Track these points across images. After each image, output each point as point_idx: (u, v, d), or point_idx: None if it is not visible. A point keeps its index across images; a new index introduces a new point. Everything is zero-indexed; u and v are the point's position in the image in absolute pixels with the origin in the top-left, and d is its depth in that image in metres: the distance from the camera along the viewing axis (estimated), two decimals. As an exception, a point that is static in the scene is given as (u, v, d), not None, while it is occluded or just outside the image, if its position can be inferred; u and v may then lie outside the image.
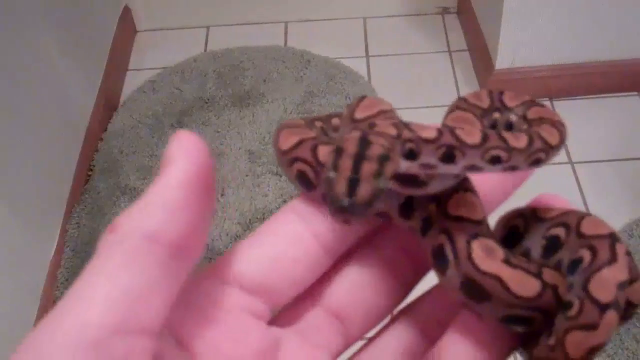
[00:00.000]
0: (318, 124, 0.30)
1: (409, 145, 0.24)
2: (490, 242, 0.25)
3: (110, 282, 0.20)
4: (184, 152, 0.22)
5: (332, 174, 0.23)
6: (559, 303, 0.24)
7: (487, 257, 0.25)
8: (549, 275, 0.25)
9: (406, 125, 0.25)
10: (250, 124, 1.92)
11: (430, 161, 0.25)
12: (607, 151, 1.81)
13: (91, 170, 1.85)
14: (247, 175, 1.75)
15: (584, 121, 1.88)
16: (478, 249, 0.25)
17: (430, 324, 0.28)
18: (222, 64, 2.11)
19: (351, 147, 0.23)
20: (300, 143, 0.27)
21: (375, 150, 0.23)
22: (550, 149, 0.27)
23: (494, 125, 0.31)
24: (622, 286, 0.23)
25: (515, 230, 0.29)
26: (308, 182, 0.27)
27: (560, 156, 1.78)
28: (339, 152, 0.23)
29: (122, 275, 0.20)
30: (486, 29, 1.98)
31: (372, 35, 2.22)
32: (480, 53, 2.01)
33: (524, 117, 0.30)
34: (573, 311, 0.23)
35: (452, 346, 0.25)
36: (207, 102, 2.00)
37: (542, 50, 1.87)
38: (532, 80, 1.91)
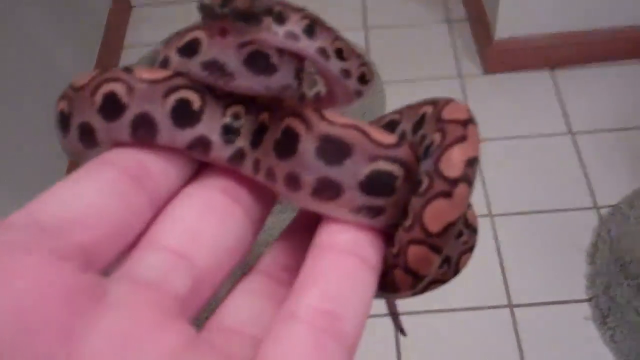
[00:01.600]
0: None
1: (277, 8, 0.23)
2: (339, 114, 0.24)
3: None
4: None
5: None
6: (418, 161, 0.24)
7: (342, 116, 0.23)
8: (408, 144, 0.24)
9: None
10: (247, 100, 1.90)
11: (295, 30, 0.24)
12: (609, 120, 1.78)
13: (88, 149, 1.84)
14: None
15: (586, 90, 1.85)
16: (331, 112, 0.24)
17: (283, 272, 0.25)
18: (218, 39, 2.09)
19: None
20: (107, 70, 0.25)
21: None
22: (368, 79, 0.27)
23: None
24: (471, 162, 0.22)
25: (393, 122, 0.27)
26: (116, 105, 0.24)
27: (560, 126, 1.76)
28: None
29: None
30: (485, -2, 1.95)
31: (371, 7, 2.19)
32: (479, 23, 1.98)
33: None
34: (423, 187, 0.22)
35: (314, 265, 0.22)
36: (203, 78, 1.98)
37: (542, 19, 1.84)
38: (533, 50, 1.88)
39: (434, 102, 0.25)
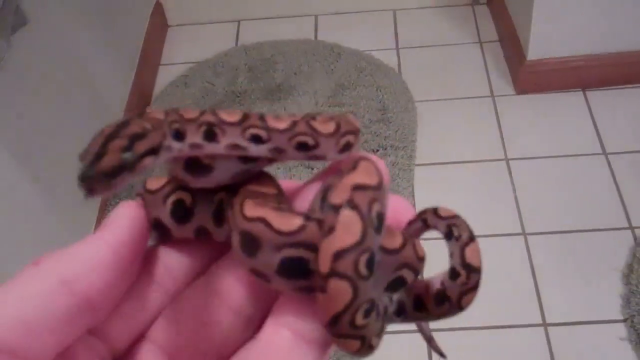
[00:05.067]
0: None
1: (174, 126, 0.25)
2: (268, 201, 0.25)
3: (18, 304, 0.22)
4: (121, 220, 0.24)
5: (82, 153, 0.23)
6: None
7: (257, 207, 0.24)
8: (318, 214, 0.24)
9: (176, 111, 0.26)
10: (281, 117, 1.93)
11: (195, 140, 0.26)
12: (642, 142, 1.79)
13: (125, 164, 1.87)
14: (278, 168, 1.76)
15: (618, 111, 1.86)
16: (251, 202, 0.25)
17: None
18: (253, 58, 2.13)
19: (108, 129, 0.24)
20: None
21: (131, 130, 0.24)
22: (318, 135, 0.27)
23: None
24: (359, 187, 0.23)
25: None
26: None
27: (593, 146, 1.77)
28: (96, 135, 0.24)
29: (31, 303, 0.22)
30: (517, 19, 1.96)
31: (402, 27, 2.22)
32: (511, 44, 2.00)
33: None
34: (321, 227, 0.23)
35: (263, 333, 0.24)
36: (238, 96, 2.01)
37: (574, 40, 1.85)
38: (565, 71, 1.90)
39: (338, 169, 0.26)
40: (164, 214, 0.28)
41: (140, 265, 0.26)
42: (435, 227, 0.31)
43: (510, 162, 1.79)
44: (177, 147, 0.25)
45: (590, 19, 1.80)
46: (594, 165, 1.75)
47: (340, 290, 0.22)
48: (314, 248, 0.23)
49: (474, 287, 0.30)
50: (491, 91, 1.98)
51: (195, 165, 0.26)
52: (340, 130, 0.27)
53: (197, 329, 0.26)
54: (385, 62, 2.08)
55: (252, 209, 0.24)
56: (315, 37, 2.22)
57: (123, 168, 0.23)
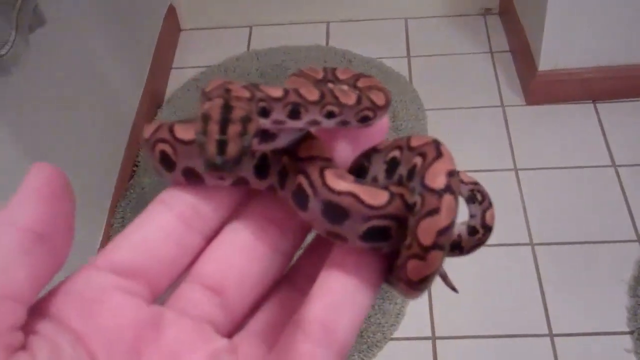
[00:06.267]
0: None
1: (261, 104, 0.28)
2: (340, 170, 0.29)
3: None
4: (36, 170, 0.26)
5: (202, 138, 0.26)
6: (407, 207, 0.28)
7: (339, 180, 0.28)
8: (394, 187, 0.28)
9: (256, 87, 0.28)
10: (291, 123, 1.94)
11: (280, 117, 0.28)
12: (651, 154, 1.79)
13: (136, 166, 1.89)
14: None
15: (628, 123, 1.86)
16: (330, 174, 0.28)
17: (305, 282, 0.30)
18: (264, 63, 2.14)
19: (216, 114, 0.26)
20: (159, 127, 0.31)
21: (238, 113, 0.26)
22: (377, 108, 0.31)
23: None
24: (451, 174, 0.27)
25: (362, 166, 0.32)
26: (169, 161, 0.30)
27: (602, 158, 1.77)
28: (205, 119, 0.26)
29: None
30: (529, 30, 1.97)
31: (413, 36, 2.23)
32: (522, 54, 2.00)
33: (354, 86, 0.34)
34: (417, 206, 0.27)
35: (324, 280, 0.28)
36: (249, 101, 2.02)
37: (585, 52, 1.86)
38: (575, 83, 1.90)
39: (397, 146, 0.30)
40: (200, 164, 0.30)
41: None
42: None
43: (520, 172, 1.79)
44: (261, 123, 0.28)
45: (601, 32, 1.80)
46: (603, 177, 1.75)
47: (437, 259, 0.26)
48: (397, 218, 0.27)
49: (485, 242, 0.38)
50: (501, 101, 1.98)
51: (262, 134, 0.29)
52: (362, 104, 0.31)
53: (242, 265, 0.29)
54: (396, 70, 2.09)
55: (335, 181, 0.28)
56: (327, 43, 2.23)
57: (245, 153, 0.26)
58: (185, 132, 0.30)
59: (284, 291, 0.30)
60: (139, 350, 0.26)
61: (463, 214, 0.35)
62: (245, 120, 0.26)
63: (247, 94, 0.27)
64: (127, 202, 1.77)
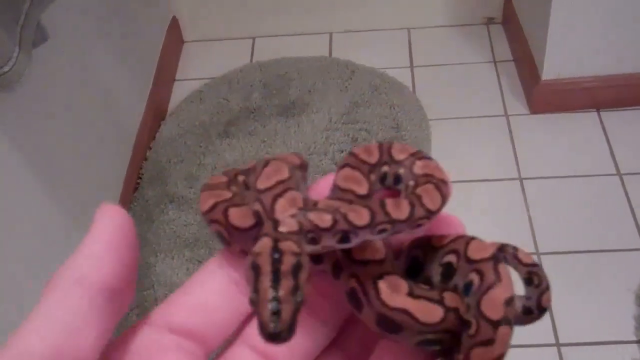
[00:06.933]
0: (240, 177, 0.33)
1: (310, 235, 0.28)
2: (394, 279, 0.28)
3: (47, 318, 0.24)
4: (106, 215, 0.26)
5: (254, 297, 0.25)
6: (462, 321, 0.28)
7: (393, 293, 0.28)
8: (449, 298, 0.28)
9: (304, 214, 0.28)
10: (295, 134, 1.94)
11: (329, 244, 0.28)
12: (656, 162, 1.78)
13: (140, 178, 1.89)
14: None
15: (633, 132, 1.86)
16: (384, 287, 0.28)
17: (356, 350, 0.31)
18: (268, 75, 2.14)
19: (265, 264, 0.26)
20: (215, 206, 0.31)
21: (288, 262, 0.26)
22: (431, 215, 0.30)
23: (383, 179, 0.33)
24: (508, 302, 0.27)
25: (417, 260, 0.31)
26: (224, 239, 0.31)
27: (607, 167, 1.76)
28: (255, 270, 0.26)
29: (57, 313, 0.24)
30: (532, 39, 1.97)
31: (416, 46, 2.23)
32: (526, 64, 2.00)
33: (411, 171, 0.33)
34: (472, 330, 0.27)
35: None
36: (253, 112, 2.03)
37: (588, 61, 1.86)
38: (579, 92, 1.90)
39: (454, 250, 0.29)
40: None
41: None
42: (513, 267, 0.38)
43: (524, 181, 1.79)
44: (310, 249, 0.28)
45: (604, 40, 1.80)
46: (607, 186, 1.75)
47: (506, 336, 0.27)
48: (450, 331, 0.28)
49: (537, 319, 0.38)
50: (505, 110, 1.98)
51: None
52: (414, 215, 0.30)
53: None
54: (399, 80, 2.09)
55: (389, 296, 0.28)
56: (330, 54, 2.23)
57: (299, 310, 0.25)
58: (239, 219, 0.30)
59: (332, 355, 0.31)
60: None
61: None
62: (297, 268, 0.26)
63: (295, 227, 0.27)
64: (131, 214, 1.76)
